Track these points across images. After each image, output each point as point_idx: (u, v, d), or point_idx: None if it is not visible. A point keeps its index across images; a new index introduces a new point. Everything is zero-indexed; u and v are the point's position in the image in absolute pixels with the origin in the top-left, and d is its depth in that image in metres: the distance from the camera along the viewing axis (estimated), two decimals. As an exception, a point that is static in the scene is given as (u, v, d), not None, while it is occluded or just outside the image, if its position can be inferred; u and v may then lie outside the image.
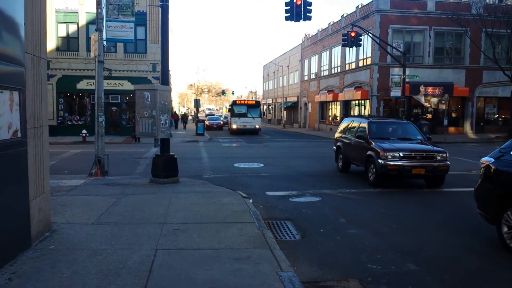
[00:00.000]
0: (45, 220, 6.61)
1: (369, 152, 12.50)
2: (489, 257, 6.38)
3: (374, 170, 12.08)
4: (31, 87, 6.00)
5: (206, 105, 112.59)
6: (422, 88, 34.18)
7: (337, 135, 15.92)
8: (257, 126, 40.56)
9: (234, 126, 40.34)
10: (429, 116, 36.24)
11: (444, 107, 33.00)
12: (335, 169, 15.58)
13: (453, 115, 36.60)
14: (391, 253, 6.49)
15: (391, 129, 13.94)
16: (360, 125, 14.11)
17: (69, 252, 5.86)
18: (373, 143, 12.50)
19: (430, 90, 34.54)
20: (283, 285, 4.88)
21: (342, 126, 15.89)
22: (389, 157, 11.68)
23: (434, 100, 35.76)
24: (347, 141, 14.66)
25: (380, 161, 11.77)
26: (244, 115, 40.62)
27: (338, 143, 15.41)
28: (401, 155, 11.70)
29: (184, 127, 49.67)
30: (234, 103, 43.60)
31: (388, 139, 12.87)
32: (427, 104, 35.91)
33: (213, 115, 71.90)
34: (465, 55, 36.07)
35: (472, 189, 11.06)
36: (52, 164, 14.56)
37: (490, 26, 30.78)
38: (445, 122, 32.39)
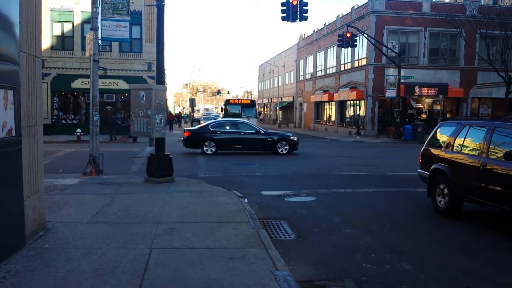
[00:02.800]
0: (40, 219, 6.59)
1: None
2: (486, 257, 6.41)
3: None
4: (26, 85, 5.98)
5: (204, 105, 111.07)
6: (417, 89, 34.32)
7: (433, 150, 9.63)
8: None
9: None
10: (424, 116, 36.39)
11: (439, 107, 33.17)
12: (326, 169, 15.59)
13: (448, 115, 36.68)
14: (386, 252, 6.51)
15: None
16: (495, 134, 7.91)
17: (64, 251, 5.84)
18: None
19: (425, 90, 34.72)
20: (278, 285, 4.89)
21: (442, 136, 9.57)
22: None
23: (429, 100, 35.97)
24: (465, 162, 8.37)
25: None
26: (238, 115, 38.21)
27: (436, 165, 9.11)
28: None
29: (179, 126, 49.94)
30: (227, 102, 41.05)
31: None
32: (420, 106, 36.10)
33: (210, 114, 71.15)
34: (460, 56, 36.24)
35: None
36: (46, 163, 14.48)
37: (485, 27, 30.94)
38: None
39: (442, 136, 9.55)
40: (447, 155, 8.95)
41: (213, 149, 20.21)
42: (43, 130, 6.80)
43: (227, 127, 21.19)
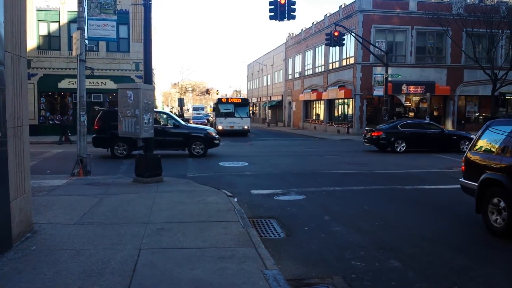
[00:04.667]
0: (26, 221, 6.52)
1: None
2: (472, 253, 6.48)
3: None
4: (11, 86, 5.90)
5: (195, 105, 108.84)
6: (404, 87, 34.57)
7: (481, 156, 8.02)
8: (245, 127, 36.55)
9: (220, 127, 35.44)
10: (412, 114, 36.69)
11: (426, 105, 33.44)
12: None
13: (435, 113, 37.09)
14: (375, 250, 6.55)
15: None
16: None
17: (51, 252, 5.78)
18: None
19: (412, 89, 35.00)
20: (268, 283, 4.89)
21: (493, 138, 7.99)
22: None
23: (416, 98, 36.27)
24: None
25: None
26: (231, 114, 36.51)
27: (489, 175, 7.54)
28: None
29: None
30: (219, 101, 38.84)
31: None
32: (408, 104, 36.41)
33: (199, 114, 69.80)
34: (447, 55, 36.58)
35: (455, 186, 11.23)
36: (33, 164, 14.35)
37: (470, 26, 31.28)
38: (427, 120, 32.80)
39: (494, 139, 7.91)
40: (505, 162, 7.27)
41: (403, 147, 21.54)
42: (29, 130, 6.72)
43: (414, 127, 22.57)
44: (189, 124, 22.61)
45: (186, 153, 19.24)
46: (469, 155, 8.37)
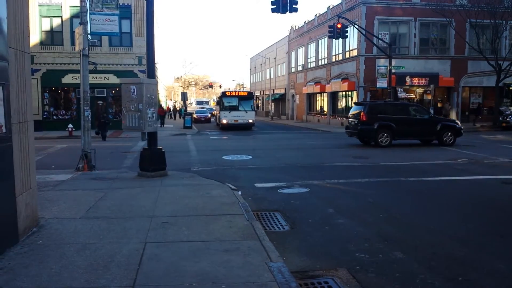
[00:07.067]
0: (32, 216, 6.57)
1: None
2: (476, 245, 6.48)
3: None
4: (15, 81, 5.93)
5: (198, 98, 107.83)
6: (408, 79, 34.43)
7: None
8: (250, 121, 35.96)
9: (224, 121, 35.49)
10: (415, 106, 36.55)
11: (430, 97, 33.30)
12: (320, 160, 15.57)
13: (439, 105, 36.93)
14: (379, 242, 6.57)
15: None
16: None
17: (57, 247, 5.83)
18: None
19: (416, 80, 34.84)
20: (273, 275, 4.92)
21: None
22: None
23: (420, 90, 36.12)
24: None
25: None
26: (235, 108, 35.82)
27: None
28: None
29: (174, 119, 50.34)
30: (223, 94, 38.14)
31: None
32: (411, 95, 36.29)
33: (203, 108, 69.12)
34: (450, 46, 36.34)
35: (459, 177, 11.23)
36: (38, 159, 14.43)
37: (474, 16, 31.08)
38: (431, 112, 32.67)
39: None
40: None
41: None
42: (34, 126, 6.76)
43: None
44: (438, 116, 25.27)
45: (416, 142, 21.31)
46: None
